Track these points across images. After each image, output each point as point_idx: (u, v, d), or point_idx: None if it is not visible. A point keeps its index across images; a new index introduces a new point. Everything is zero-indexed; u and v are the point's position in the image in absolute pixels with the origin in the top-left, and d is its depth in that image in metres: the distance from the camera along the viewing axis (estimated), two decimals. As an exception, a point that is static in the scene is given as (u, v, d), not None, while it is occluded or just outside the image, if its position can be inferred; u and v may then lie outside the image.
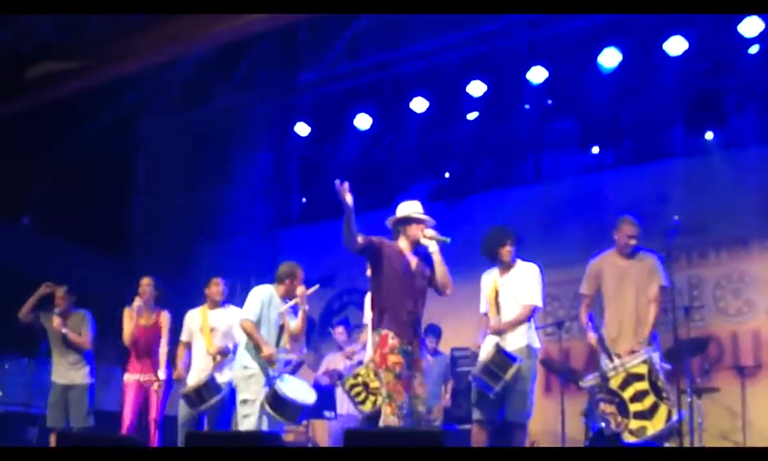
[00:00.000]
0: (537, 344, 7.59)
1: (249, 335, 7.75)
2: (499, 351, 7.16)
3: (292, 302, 7.85)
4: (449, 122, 11.13)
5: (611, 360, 7.23)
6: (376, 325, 6.65)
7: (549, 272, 10.23)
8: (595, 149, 10.90)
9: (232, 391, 8.09)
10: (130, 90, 10.60)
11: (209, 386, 8.22)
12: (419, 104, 10.81)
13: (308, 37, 10.14)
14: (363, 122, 11.22)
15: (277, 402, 7.58)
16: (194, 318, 8.79)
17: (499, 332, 7.42)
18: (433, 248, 6.70)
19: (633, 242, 7.66)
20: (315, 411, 8.91)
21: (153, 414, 8.72)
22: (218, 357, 8.44)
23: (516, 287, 7.51)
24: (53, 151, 11.14)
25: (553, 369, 9.49)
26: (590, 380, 7.04)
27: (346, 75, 10.54)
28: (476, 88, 10.48)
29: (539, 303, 7.54)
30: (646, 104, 10.15)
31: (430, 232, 6.75)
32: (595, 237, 9.98)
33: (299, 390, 7.74)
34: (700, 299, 10.02)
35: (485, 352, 7.31)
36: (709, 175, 10.08)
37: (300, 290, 7.78)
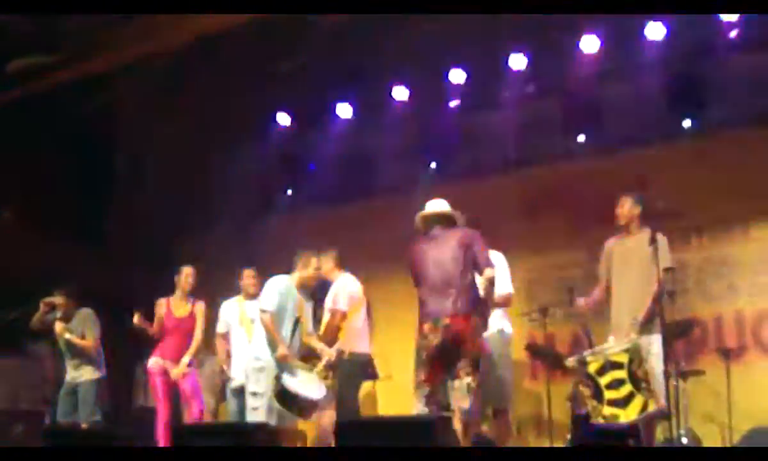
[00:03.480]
0: (509, 329, 7.67)
1: (267, 330, 7.66)
2: None
3: None
4: (431, 110, 11.11)
5: (590, 346, 7.35)
6: None
7: (531, 259, 10.49)
8: (576, 136, 10.84)
9: None
10: (108, 82, 10.48)
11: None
12: (401, 92, 10.78)
13: (287, 24, 10.02)
14: (344, 110, 11.19)
15: (283, 395, 7.47)
16: (231, 310, 8.80)
17: None
18: None
19: (621, 211, 7.78)
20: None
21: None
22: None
23: None
24: (32, 144, 11.02)
25: (538, 355, 9.49)
26: (571, 361, 7.21)
27: (326, 63, 10.42)
28: (457, 76, 10.46)
29: (512, 290, 7.76)
30: (626, 89, 10.10)
31: None
32: (577, 223, 10.33)
33: (308, 383, 7.59)
34: (684, 282, 9.93)
35: None
36: (690, 159, 10.02)
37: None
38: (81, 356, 9.10)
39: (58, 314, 9.09)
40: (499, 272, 7.39)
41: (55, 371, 10.00)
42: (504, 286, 7.67)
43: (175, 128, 10.89)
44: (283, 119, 11.47)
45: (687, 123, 10.24)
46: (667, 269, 7.37)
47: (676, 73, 9.95)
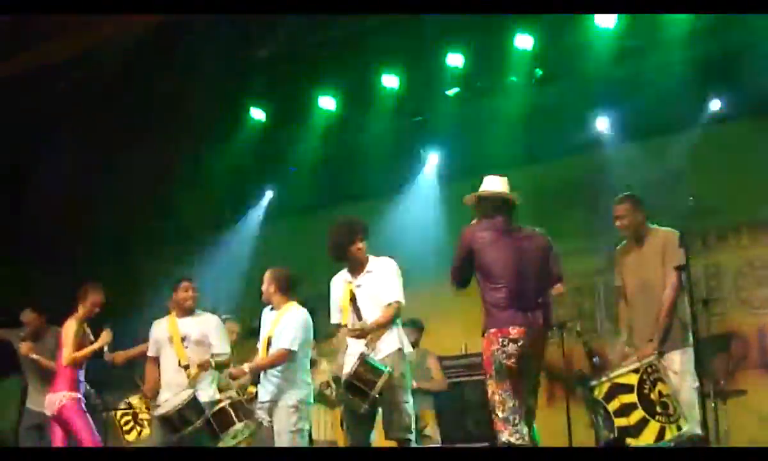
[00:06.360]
0: (408, 348, 6.89)
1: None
2: (364, 361, 6.52)
3: None
4: (426, 99, 10.44)
5: (595, 368, 6.98)
6: None
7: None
8: (593, 124, 10.28)
9: None
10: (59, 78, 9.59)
11: (193, 405, 7.27)
12: (392, 80, 10.07)
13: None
14: (328, 103, 10.49)
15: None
16: (161, 329, 7.97)
17: (363, 336, 6.71)
18: None
19: (621, 223, 6.87)
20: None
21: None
22: (193, 370, 7.51)
23: (375, 286, 6.81)
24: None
25: (556, 376, 9.05)
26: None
27: (306, 50, 9.64)
28: (456, 60, 9.76)
29: (402, 299, 6.84)
30: (649, 70, 9.34)
31: None
32: (597, 225, 9.36)
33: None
34: (720, 289, 9.46)
35: (348, 366, 6.71)
36: (725, 148, 9.45)
37: None
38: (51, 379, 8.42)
39: (22, 333, 8.58)
40: (388, 278, 6.81)
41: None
42: (391, 293, 6.84)
43: (132, 127, 10.06)
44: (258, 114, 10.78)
45: (717, 105, 9.64)
46: (679, 268, 6.56)
47: (707, 48, 9.18)
